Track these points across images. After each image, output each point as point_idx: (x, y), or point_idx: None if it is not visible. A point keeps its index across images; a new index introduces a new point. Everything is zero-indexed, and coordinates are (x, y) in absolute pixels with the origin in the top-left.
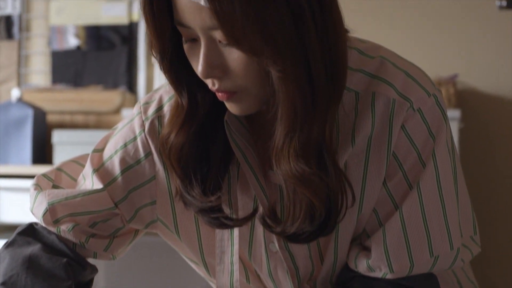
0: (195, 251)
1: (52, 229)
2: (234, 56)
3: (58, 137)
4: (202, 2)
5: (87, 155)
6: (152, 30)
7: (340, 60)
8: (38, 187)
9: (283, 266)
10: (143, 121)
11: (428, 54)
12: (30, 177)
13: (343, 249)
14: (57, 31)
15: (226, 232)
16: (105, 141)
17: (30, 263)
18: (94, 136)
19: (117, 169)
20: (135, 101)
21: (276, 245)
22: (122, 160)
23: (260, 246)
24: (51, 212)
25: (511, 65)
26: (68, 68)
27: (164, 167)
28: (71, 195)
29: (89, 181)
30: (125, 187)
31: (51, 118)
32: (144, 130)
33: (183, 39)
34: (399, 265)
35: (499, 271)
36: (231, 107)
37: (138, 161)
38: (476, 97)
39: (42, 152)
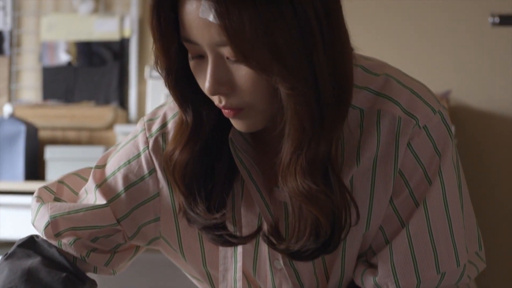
0: (199, 267)
1: (53, 242)
2: (242, 73)
3: (50, 153)
4: (211, 18)
5: (89, 168)
6: (159, 45)
7: (347, 77)
8: (40, 199)
9: (288, 283)
10: (147, 138)
11: (421, 70)
12: (23, 193)
13: (349, 266)
14: (48, 47)
15: (229, 250)
16: (106, 158)
17: (29, 276)
18: (86, 152)
19: (120, 186)
20: (126, 117)
21: (281, 262)
22: (126, 177)
23: (264, 263)
24: (53, 225)
25: (504, 81)
26: (59, 84)
27: (168, 184)
28: (73, 210)
29: (91, 196)
30: (128, 204)
31: (42, 134)
32: (148, 147)
33: (189, 55)
34: (406, 282)
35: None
36: (237, 124)
37: (141, 178)
38: (469, 114)
39: (34, 168)
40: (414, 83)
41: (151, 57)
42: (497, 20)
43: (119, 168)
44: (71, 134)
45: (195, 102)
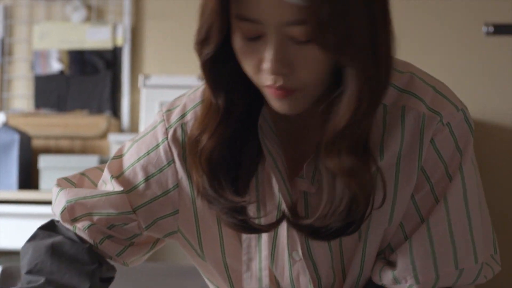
0: (217, 260)
1: (69, 226)
2: (307, 53)
3: (44, 162)
4: None
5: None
6: (217, 23)
7: (392, 62)
8: (60, 186)
9: (306, 274)
10: (166, 129)
11: None
12: (16, 202)
13: (369, 263)
14: (40, 56)
15: (253, 239)
16: (123, 149)
17: (53, 250)
18: (80, 161)
19: (139, 177)
20: (119, 126)
21: (300, 253)
22: (145, 168)
23: (282, 253)
24: (69, 210)
25: (497, 91)
26: (51, 93)
27: (187, 175)
28: (90, 195)
29: (109, 186)
30: (146, 196)
31: (36, 143)
32: (167, 137)
33: (240, 36)
34: (425, 276)
35: None
36: (283, 105)
37: (160, 169)
38: None
39: (28, 177)
40: (437, 82)
41: (144, 66)
42: (491, 29)
43: (138, 159)
44: (64, 143)
45: (228, 87)
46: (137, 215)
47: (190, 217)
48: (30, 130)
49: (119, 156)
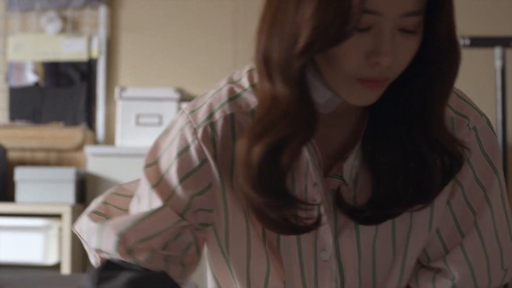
0: (241, 260)
1: (129, 260)
2: (410, 44)
3: (20, 174)
4: None
5: (119, 186)
6: (338, 11)
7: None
8: (96, 221)
9: (332, 276)
10: (194, 129)
11: None
12: None
13: (407, 274)
14: (15, 67)
15: (292, 242)
16: (153, 155)
17: (133, 283)
18: (56, 174)
19: (175, 180)
20: (94, 138)
21: (330, 252)
22: (179, 170)
23: (308, 255)
24: (123, 241)
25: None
26: (26, 105)
27: (219, 174)
28: (137, 219)
29: (145, 201)
30: (186, 196)
31: (11, 155)
32: (197, 137)
33: (348, 27)
34: (482, 281)
35: None
36: (369, 95)
37: (194, 169)
38: None
39: (4, 189)
40: (457, 90)
41: (119, 77)
42: (467, 41)
43: (171, 163)
44: (40, 155)
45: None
46: (186, 219)
47: (221, 215)
48: (6, 142)
49: (153, 164)
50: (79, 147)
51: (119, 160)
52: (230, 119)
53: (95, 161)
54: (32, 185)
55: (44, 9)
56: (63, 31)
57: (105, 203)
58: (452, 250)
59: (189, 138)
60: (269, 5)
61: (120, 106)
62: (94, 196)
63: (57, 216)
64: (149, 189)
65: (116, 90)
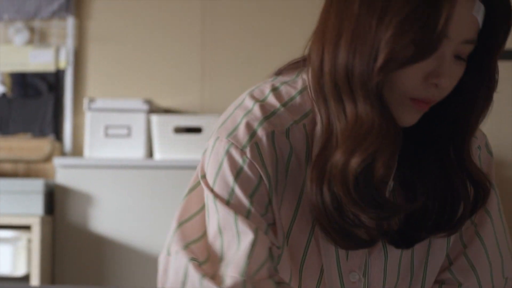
0: (296, 264)
1: None
2: (459, 70)
3: None
4: (480, 17)
5: (179, 230)
6: (421, 32)
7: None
8: (201, 273)
9: None
10: (241, 150)
11: None
12: None
13: (429, 284)
14: None
15: (316, 262)
16: (206, 181)
17: None
18: (24, 185)
19: (245, 202)
20: (61, 149)
21: (360, 273)
22: (244, 190)
23: (335, 275)
24: (248, 279)
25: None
26: None
27: (274, 190)
28: (243, 263)
29: (231, 233)
30: (260, 212)
31: None
32: (247, 156)
33: (428, 49)
34: None
35: None
36: (414, 116)
37: (256, 187)
38: None
39: None
40: None
41: (87, 88)
42: None
43: (232, 189)
44: (7, 167)
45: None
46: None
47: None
48: None
49: (227, 201)
50: (48, 158)
51: (88, 171)
52: (271, 136)
53: (64, 173)
54: (0, 197)
55: (12, 20)
56: (30, 42)
57: (186, 247)
58: (456, 259)
59: (239, 160)
60: (331, 20)
61: (88, 117)
62: (63, 207)
63: (26, 227)
64: (234, 221)
65: (85, 101)
